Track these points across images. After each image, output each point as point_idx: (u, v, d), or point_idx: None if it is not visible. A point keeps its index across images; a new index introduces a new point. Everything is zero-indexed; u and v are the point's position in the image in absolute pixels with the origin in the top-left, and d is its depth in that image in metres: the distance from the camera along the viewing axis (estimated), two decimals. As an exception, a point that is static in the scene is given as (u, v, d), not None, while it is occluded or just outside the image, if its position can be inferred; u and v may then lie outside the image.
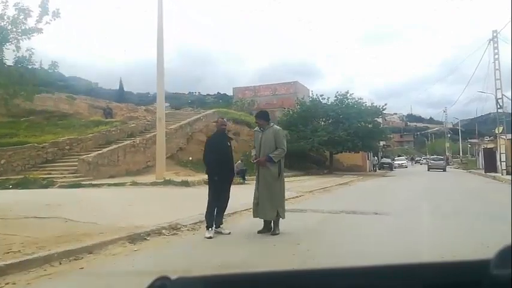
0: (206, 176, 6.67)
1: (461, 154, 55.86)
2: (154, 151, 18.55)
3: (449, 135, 57.17)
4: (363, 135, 28.01)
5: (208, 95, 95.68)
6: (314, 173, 29.10)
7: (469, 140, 38.49)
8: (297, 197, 12.12)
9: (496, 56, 23.25)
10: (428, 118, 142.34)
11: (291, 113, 30.68)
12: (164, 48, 17.27)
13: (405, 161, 51.98)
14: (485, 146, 31.11)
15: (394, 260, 0.90)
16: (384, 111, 32.10)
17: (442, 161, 39.33)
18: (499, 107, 23.45)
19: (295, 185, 16.20)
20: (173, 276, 0.70)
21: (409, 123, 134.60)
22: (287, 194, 7.60)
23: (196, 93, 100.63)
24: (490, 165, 26.31)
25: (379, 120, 32.82)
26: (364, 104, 29.72)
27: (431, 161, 40.60)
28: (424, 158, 62.88)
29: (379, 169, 41.52)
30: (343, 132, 27.42)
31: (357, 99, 29.95)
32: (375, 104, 29.56)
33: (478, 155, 36.09)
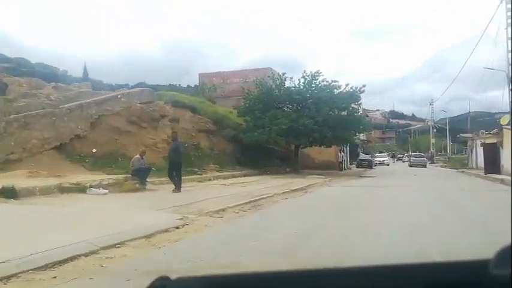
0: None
1: (449, 151, 50.90)
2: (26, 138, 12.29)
3: (435, 130, 52.00)
4: (334, 124, 22.08)
5: (189, 86, 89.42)
6: (274, 171, 23.11)
7: (461, 135, 33.43)
8: (169, 230, 5.94)
9: (509, 21, 17.73)
10: (410, 115, 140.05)
11: (251, 96, 24.51)
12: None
13: (386, 158, 46.58)
14: (482, 141, 25.57)
15: (394, 260, 0.84)
16: (364, 106, 26.30)
17: (422, 158, 41.25)
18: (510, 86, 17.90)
19: (221, 192, 11.30)
20: (173, 277, 0.69)
21: (391, 120, 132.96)
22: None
23: (177, 85, 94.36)
24: (492, 165, 20.74)
25: (357, 107, 26.95)
26: (338, 87, 23.75)
27: (413, 158, 42.38)
28: (406, 155, 58.37)
29: (358, 167, 35.85)
30: (308, 120, 21.42)
31: (330, 81, 23.97)
32: (351, 87, 23.57)
33: (472, 152, 30.67)
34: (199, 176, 17.39)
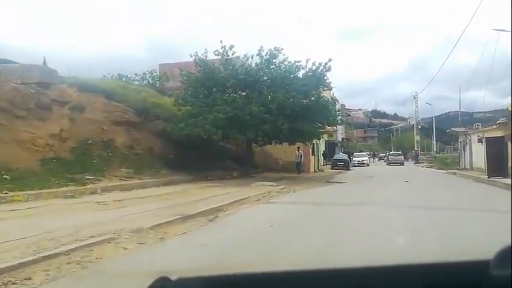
0: None
1: (434, 149, 46.12)
2: None
3: (419, 127, 47.10)
4: (292, 114, 16.67)
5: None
6: (217, 176, 17.55)
7: (452, 129, 28.70)
8: None
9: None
10: (393, 114, 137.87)
11: (190, 80, 18.91)
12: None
13: (366, 158, 41.42)
14: (480, 136, 20.54)
15: (394, 260, 0.80)
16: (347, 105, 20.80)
17: (400, 156, 42.24)
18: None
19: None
20: (173, 277, 0.69)
21: (373, 119, 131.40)
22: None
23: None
24: (498, 166, 15.68)
25: (327, 96, 21.60)
26: (301, 67, 18.31)
27: (391, 156, 43.18)
28: (389, 155, 53.90)
29: (333, 168, 30.64)
30: (258, 107, 15.94)
31: (292, 61, 18.52)
32: (313, 63, 18.01)
33: (464, 149, 25.70)
34: (82, 187, 11.69)
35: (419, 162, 42.98)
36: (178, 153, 18.10)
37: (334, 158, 31.75)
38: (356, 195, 12.01)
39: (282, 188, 13.48)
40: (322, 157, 28.29)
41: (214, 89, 18.51)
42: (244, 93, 18.04)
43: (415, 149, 45.42)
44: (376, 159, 55.63)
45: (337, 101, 48.94)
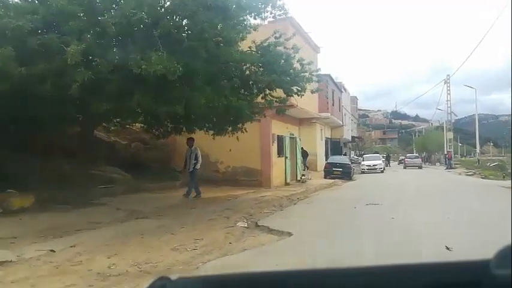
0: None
1: (478, 150, 34.33)
2: None
3: (452, 121, 35.42)
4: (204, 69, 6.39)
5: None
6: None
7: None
8: None
9: None
10: (414, 116, 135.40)
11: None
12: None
13: (380, 162, 30.21)
14: None
15: (394, 260, 0.86)
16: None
17: (417, 159, 39.47)
18: None
19: None
20: (173, 277, 0.68)
21: (393, 121, 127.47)
22: None
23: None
24: None
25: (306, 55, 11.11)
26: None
27: (407, 159, 39.59)
28: (405, 158, 43.91)
29: (326, 176, 20.19)
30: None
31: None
32: None
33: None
34: None
35: (453, 168, 31.94)
36: None
37: (329, 161, 21.15)
38: None
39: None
40: (299, 160, 17.72)
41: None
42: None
43: (447, 150, 33.91)
44: (388, 163, 44.22)
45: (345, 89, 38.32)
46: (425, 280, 0.67)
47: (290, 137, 16.52)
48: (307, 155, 19.93)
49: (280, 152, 15.26)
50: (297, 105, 13.24)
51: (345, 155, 27.11)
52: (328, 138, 33.86)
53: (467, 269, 0.69)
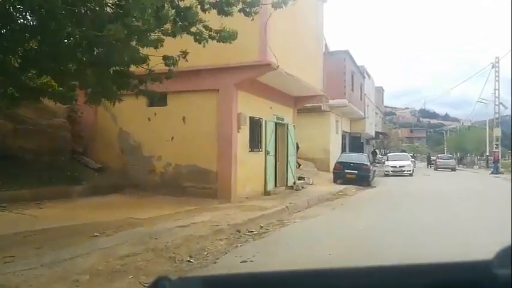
0: None
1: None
2: None
3: (498, 118, 28.62)
4: None
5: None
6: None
7: None
8: None
9: None
10: (443, 114, 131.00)
11: None
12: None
13: (408, 162, 23.96)
14: None
15: (394, 260, 0.80)
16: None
17: (451, 160, 36.41)
18: None
19: None
20: (173, 277, 0.67)
21: (421, 119, 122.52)
22: None
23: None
24: None
25: None
26: None
27: (440, 160, 36.60)
28: (437, 158, 38.74)
29: (336, 180, 14.69)
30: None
31: None
32: None
33: None
34: None
35: (500, 173, 25.62)
36: None
37: (340, 160, 15.42)
38: None
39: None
40: (292, 157, 11.97)
41: None
42: None
43: (494, 150, 27.24)
44: (421, 164, 38.27)
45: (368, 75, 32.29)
46: (426, 280, 0.65)
47: (276, 122, 11.03)
48: (298, 147, 14.08)
49: (256, 145, 9.83)
50: (277, 66, 7.90)
51: (374, 152, 21.27)
52: (347, 132, 28.07)
53: (468, 269, 0.68)
